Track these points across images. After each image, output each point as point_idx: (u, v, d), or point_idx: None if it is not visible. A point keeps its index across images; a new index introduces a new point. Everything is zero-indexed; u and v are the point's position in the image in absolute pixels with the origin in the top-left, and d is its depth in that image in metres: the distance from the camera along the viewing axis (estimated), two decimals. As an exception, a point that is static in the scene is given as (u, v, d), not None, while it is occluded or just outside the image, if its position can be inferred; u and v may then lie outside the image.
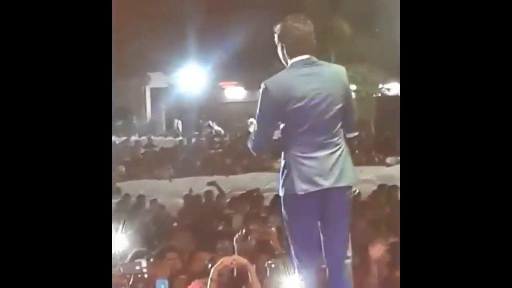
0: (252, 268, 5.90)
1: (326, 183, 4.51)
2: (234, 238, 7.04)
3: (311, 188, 4.49)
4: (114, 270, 4.98)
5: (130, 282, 6.06)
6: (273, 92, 4.53)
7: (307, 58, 4.61)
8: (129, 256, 7.08)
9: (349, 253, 4.67)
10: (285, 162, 4.59)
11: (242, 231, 7.14)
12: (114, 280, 4.61)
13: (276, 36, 4.69)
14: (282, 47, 4.66)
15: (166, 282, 5.70)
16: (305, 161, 4.51)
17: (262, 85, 4.56)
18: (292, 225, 4.62)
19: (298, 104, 4.50)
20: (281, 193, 4.62)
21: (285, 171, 4.56)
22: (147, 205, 12.37)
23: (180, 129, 28.55)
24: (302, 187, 4.49)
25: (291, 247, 4.68)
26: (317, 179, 4.50)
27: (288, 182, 4.54)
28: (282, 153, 4.64)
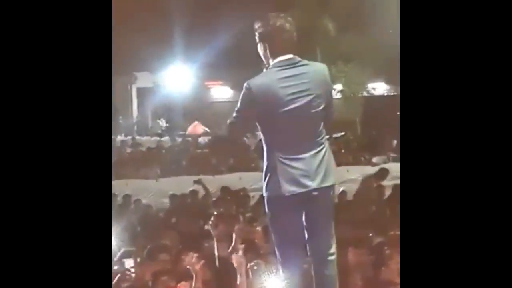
0: None
1: (313, 184, 4.49)
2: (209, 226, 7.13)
3: (298, 190, 4.48)
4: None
5: (114, 281, 6.06)
6: (257, 95, 4.48)
7: (290, 58, 4.55)
8: (118, 255, 7.09)
9: (334, 249, 4.68)
10: (268, 164, 4.56)
11: (212, 217, 7.19)
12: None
13: (257, 34, 4.63)
14: (265, 47, 4.59)
15: None
16: (290, 163, 4.49)
17: (246, 85, 4.51)
18: (277, 225, 4.62)
19: (284, 109, 4.46)
20: (265, 194, 4.60)
21: (269, 173, 4.54)
22: (133, 204, 12.36)
23: (164, 127, 28.52)
24: (288, 189, 4.47)
25: (276, 247, 4.67)
26: (303, 180, 4.48)
27: (273, 184, 4.51)
28: (265, 155, 4.60)
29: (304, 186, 4.48)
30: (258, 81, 4.53)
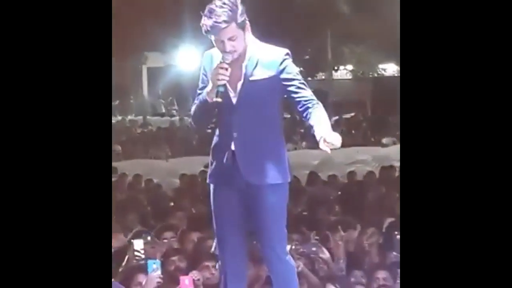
0: None
1: None
2: None
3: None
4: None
5: (123, 262, 6.10)
6: None
7: None
8: (129, 236, 7.11)
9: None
10: (285, 150, 4.43)
11: None
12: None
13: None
14: None
15: (159, 262, 5.64)
16: None
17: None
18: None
19: None
20: (287, 180, 4.38)
21: (287, 158, 4.40)
22: (143, 184, 12.37)
23: (176, 108, 28.53)
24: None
25: (284, 233, 4.40)
26: None
27: (287, 170, 4.36)
28: (284, 141, 4.46)
29: None
30: None
